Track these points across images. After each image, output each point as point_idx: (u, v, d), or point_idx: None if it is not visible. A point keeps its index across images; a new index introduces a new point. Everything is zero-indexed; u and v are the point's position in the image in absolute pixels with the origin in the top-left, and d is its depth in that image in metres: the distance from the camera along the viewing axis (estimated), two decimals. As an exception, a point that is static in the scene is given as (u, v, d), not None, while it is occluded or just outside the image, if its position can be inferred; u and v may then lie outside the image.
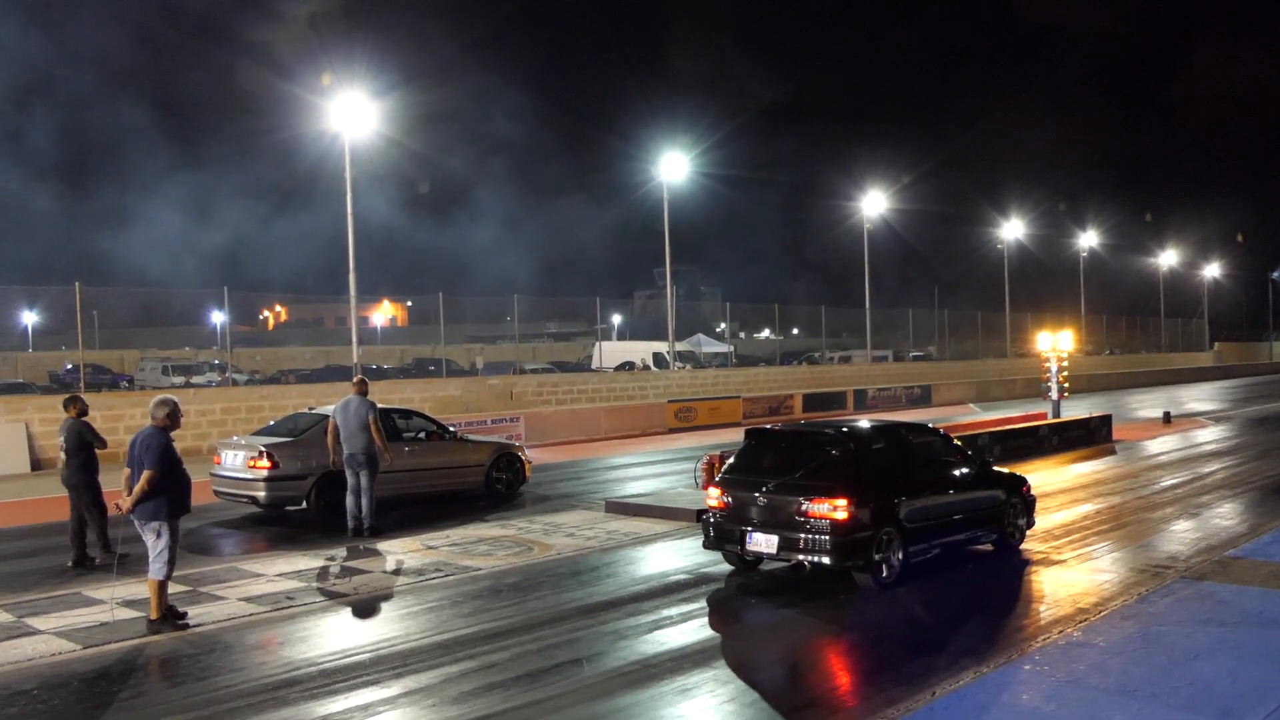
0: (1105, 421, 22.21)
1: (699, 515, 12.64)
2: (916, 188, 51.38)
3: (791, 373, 39.09)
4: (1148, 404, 34.53)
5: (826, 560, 8.67)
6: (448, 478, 14.69)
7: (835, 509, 8.60)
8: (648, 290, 72.08)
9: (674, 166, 34.20)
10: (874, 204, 42.93)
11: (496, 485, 15.08)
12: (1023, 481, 11.10)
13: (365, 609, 8.86)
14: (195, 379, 33.14)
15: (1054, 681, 6.40)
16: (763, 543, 9.04)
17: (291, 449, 13.11)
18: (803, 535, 8.74)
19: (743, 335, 62.57)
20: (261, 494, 12.93)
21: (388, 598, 9.21)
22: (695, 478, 15.26)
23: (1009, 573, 9.96)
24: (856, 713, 6.00)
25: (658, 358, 38.78)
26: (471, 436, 16.12)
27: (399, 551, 11.13)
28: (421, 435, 14.62)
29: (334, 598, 9.22)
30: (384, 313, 69.63)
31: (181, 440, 8.31)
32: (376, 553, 11.14)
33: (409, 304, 67.52)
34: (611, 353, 40.79)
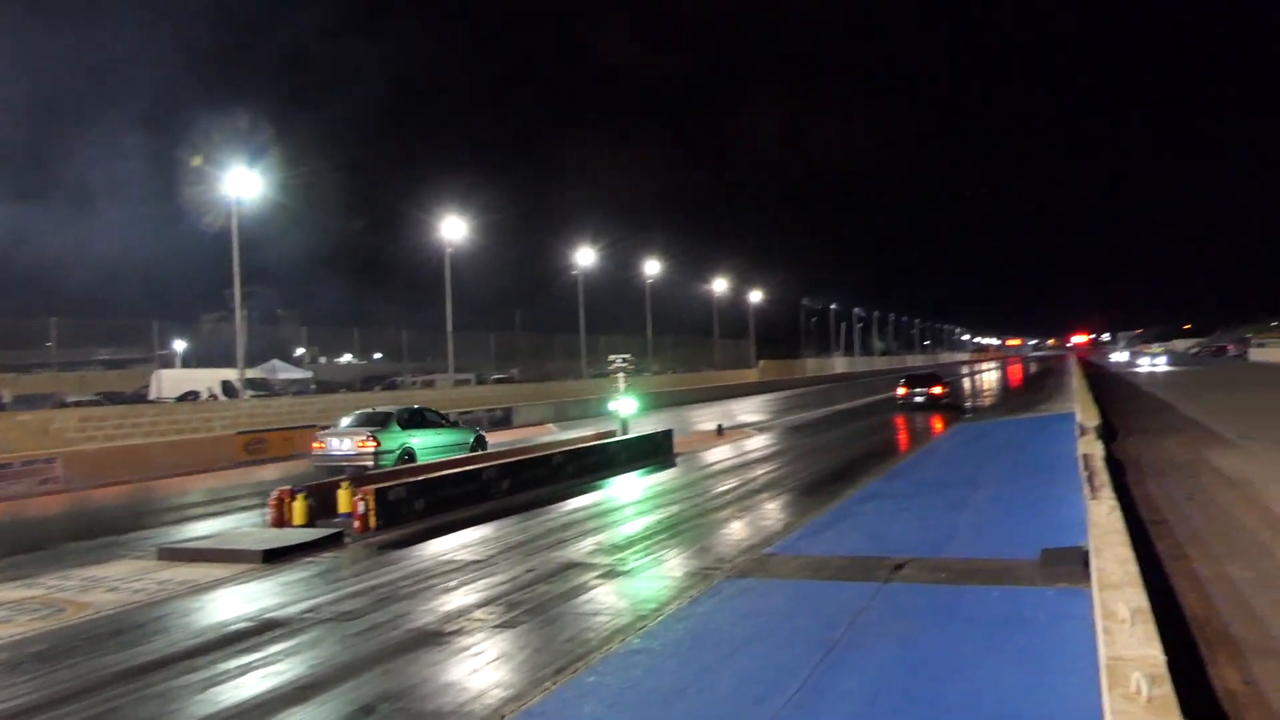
0: (667, 436, 24.00)
1: (266, 555, 11.95)
2: (499, 213, 52.65)
3: (372, 398, 38.17)
4: (705, 417, 37.81)
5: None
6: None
7: (940, 388, 35.50)
8: (217, 313, 66.92)
9: (244, 181, 32.15)
10: (454, 229, 43.31)
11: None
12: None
13: None
14: None
15: (615, 689, 6.71)
16: (915, 397, 35.07)
17: None
18: (930, 392, 35.56)
19: (323, 360, 60.24)
20: None
21: None
22: (264, 515, 14.37)
23: (580, 587, 10.35)
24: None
25: (227, 386, 36.19)
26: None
27: (-115, 628, 9.30)
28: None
29: None
30: (-119, 340, 58.42)
31: None
32: None
33: (-84, 330, 57.24)
34: (174, 381, 37.42)
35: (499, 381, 49.23)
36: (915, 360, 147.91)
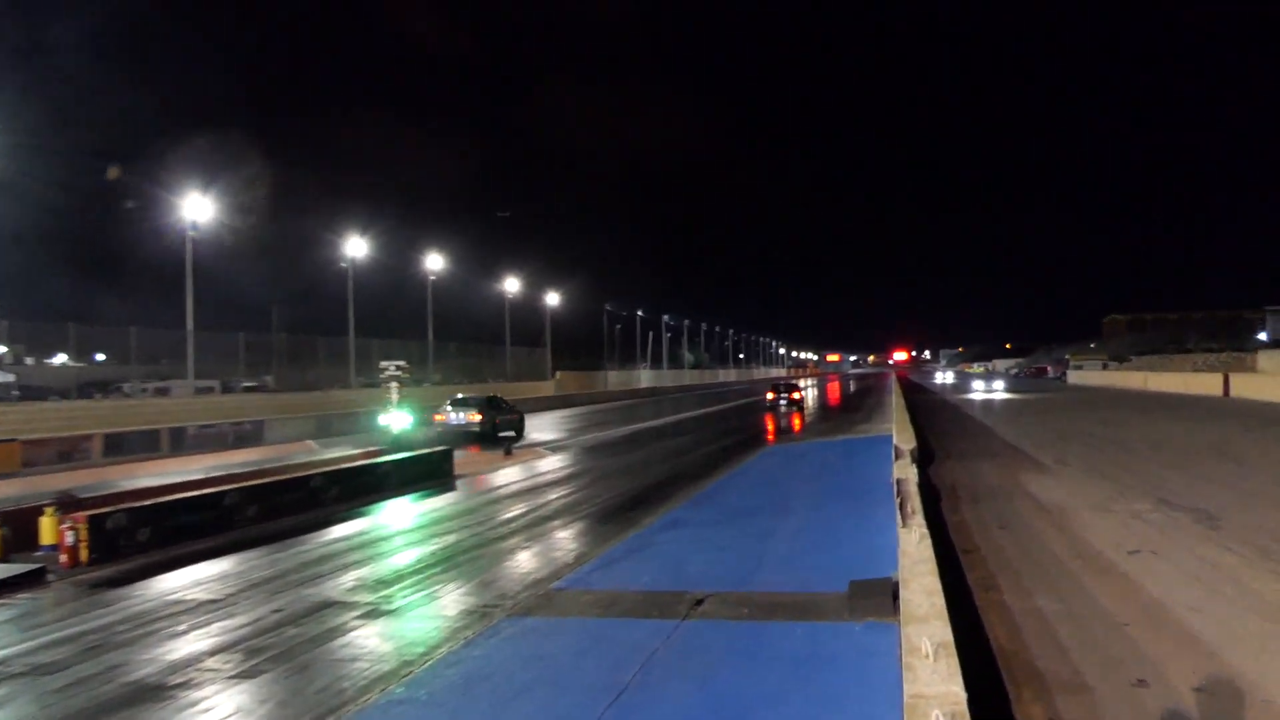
0: (446, 456, 23.72)
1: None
2: (258, 195, 50.55)
3: (93, 408, 36.02)
4: (493, 435, 37.66)
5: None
6: None
7: (798, 394, 56.10)
8: (-108, 303, 61.48)
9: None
10: (200, 210, 41.42)
11: None
12: None
13: None
14: None
15: (372, 747, 6.56)
16: (780, 400, 53.45)
17: None
18: (791, 396, 54.04)
19: (30, 361, 56.22)
20: None
21: None
22: (-58, 547, 13.28)
23: (336, 630, 10.07)
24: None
25: (-99, 390, 33.28)
26: None
27: None
28: None
29: None
30: None
31: None
32: None
33: None
34: None
35: (249, 390, 47.29)
36: (729, 375, 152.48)
